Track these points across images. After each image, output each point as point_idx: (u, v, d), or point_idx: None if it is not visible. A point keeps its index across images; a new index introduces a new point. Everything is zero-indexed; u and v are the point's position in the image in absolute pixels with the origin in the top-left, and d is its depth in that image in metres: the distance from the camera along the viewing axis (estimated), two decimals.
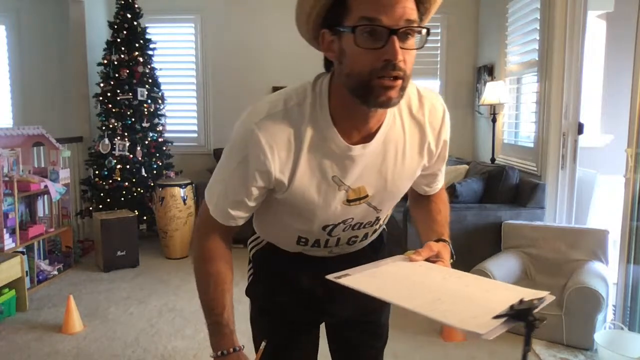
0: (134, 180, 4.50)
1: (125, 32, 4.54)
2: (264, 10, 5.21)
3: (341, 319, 1.27)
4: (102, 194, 4.46)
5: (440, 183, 1.21)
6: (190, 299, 3.38)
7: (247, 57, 5.28)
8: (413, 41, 0.87)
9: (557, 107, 3.42)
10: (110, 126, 4.46)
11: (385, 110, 0.96)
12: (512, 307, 0.76)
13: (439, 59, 5.25)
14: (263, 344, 1.09)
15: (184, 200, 4.25)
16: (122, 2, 4.58)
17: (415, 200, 1.25)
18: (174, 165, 4.92)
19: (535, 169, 3.67)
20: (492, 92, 4.22)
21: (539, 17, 3.67)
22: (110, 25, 4.61)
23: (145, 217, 4.55)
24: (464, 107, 5.23)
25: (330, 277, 0.93)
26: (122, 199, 4.46)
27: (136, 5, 4.62)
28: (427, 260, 1.02)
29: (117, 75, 4.48)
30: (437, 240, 1.08)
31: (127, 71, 4.49)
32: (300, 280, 1.19)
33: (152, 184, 4.52)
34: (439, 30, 5.16)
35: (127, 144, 4.46)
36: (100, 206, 4.43)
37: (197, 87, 5.39)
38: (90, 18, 4.94)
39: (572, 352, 2.63)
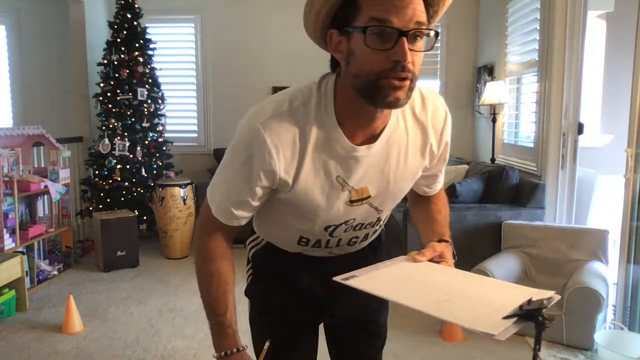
0: (134, 180, 4.51)
1: (125, 32, 4.55)
2: (264, 10, 5.22)
3: (341, 319, 1.27)
4: (102, 194, 4.46)
5: (440, 184, 1.22)
6: (190, 299, 3.38)
7: (247, 57, 5.29)
8: (421, 43, 0.88)
9: (557, 107, 3.42)
10: (110, 126, 4.46)
11: (390, 112, 0.97)
12: (521, 307, 0.76)
13: (439, 59, 5.25)
14: (267, 343, 1.09)
15: (184, 200, 4.25)
16: (122, 2, 4.58)
17: (415, 201, 1.25)
18: (174, 165, 4.93)
19: (535, 169, 3.67)
20: (492, 92, 4.21)
21: (539, 17, 3.67)
22: (110, 25, 4.61)
23: (145, 217, 4.55)
24: (464, 107, 5.23)
25: (337, 278, 0.93)
26: (122, 199, 4.46)
27: (136, 5, 4.62)
28: (431, 260, 1.02)
29: (117, 75, 4.48)
30: (439, 241, 1.08)
31: (127, 71, 4.49)
32: (299, 280, 1.19)
33: (152, 184, 4.52)
34: (439, 30, 5.15)
35: (127, 144, 4.47)
36: (100, 206, 4.43)
37: (197, 87, 5.40)
38: (90, 18, 4.94)
39: (572, 352, 2.63)
